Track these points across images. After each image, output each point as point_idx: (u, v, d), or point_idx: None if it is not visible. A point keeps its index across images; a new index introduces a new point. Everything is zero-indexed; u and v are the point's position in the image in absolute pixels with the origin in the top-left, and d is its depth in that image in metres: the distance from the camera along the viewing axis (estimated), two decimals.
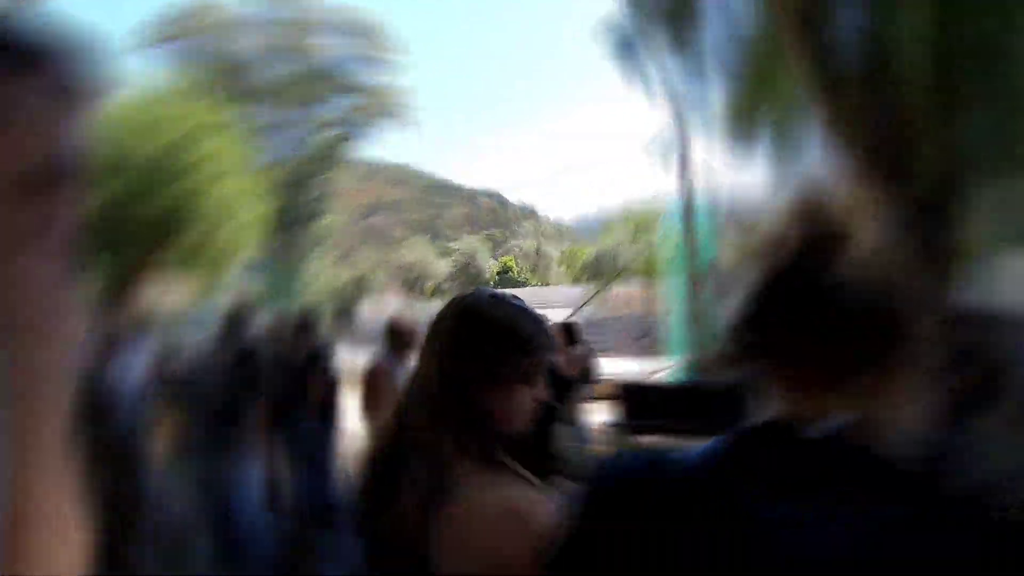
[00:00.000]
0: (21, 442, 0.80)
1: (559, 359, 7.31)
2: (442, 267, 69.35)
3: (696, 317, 12.58)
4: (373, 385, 4.34)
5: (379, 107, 49.12)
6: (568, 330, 7.25)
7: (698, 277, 13.05)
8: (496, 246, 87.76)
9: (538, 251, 73.12)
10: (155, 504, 4.36)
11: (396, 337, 4.49)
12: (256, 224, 25.66)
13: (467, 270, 66.56)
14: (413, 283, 66.98)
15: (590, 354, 7.28)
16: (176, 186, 21.23)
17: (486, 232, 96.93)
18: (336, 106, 49.40)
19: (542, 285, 65.02)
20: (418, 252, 70.24)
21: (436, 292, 63.24)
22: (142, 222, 20.37)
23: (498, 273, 71.16)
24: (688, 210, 13.12)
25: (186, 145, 21.81)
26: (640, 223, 62.71)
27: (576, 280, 61.62)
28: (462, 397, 1.44)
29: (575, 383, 6.92)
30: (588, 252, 62.87)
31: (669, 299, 15.55)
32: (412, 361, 3.37)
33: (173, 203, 21.25)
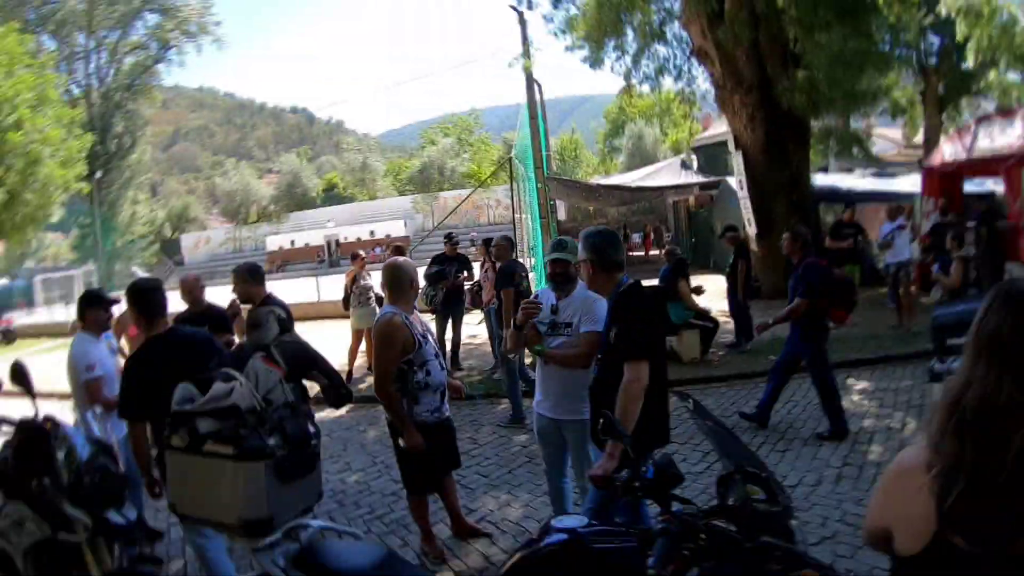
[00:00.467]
0: None
1: None
2: (264, 189, 68.42)
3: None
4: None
5: (179, 27, 48.71)
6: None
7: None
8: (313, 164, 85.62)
9: (364, 165, 72.65)
10: None
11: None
12: (73, 160, 26.70)
13: (292, 190, 65.84)
14: (237, 209, 65.95)
15: None
16: None
17: (298, 149, 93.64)
18: (137, 29, 48.94)
19: (369, 199, 66.53)
20: (237, 177, 68.28)
21: (263, 216, 63.21)
22: None
23: (324, 190, 71.20)
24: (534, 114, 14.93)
25: None
26: (462, 132, 65.41)
27: (402, 192, 63.76)
28: None
29: None
30: (412, 164, 65.14)
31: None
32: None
33: None
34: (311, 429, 3.07)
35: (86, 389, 5.02)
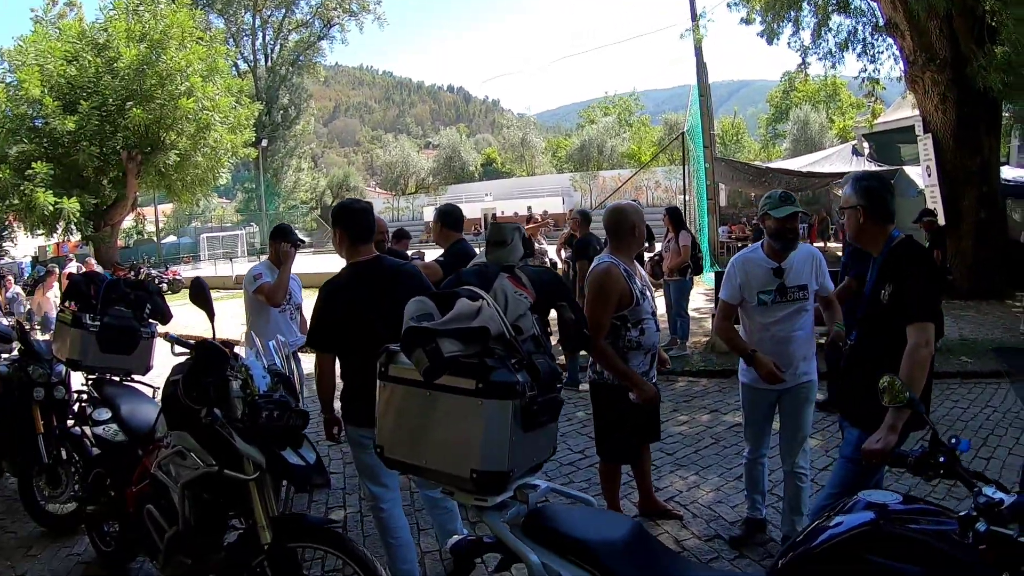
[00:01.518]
0: None
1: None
2: (423, 162, 70.02)
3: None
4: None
5: (341, 5, 50.68)
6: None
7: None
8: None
9: (523, 142, 73.21)
10: None
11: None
12: (241, 127, 28.46)
13: (450, 164, 66.97)
14: (396, 181, 67.76)
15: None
16: (163, 90, 24.21)
17: (456, 126, 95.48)
18: (301, 8, 51.22)
19: (527, 175, 67.05)
20: (397, 149, 70.19)
21: (420, 188, 64.62)
22: (131, 126, 23.35)
23: (482, 165, 72.02)
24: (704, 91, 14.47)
25: (169, 50, 24.92)
26: (622, 112, 64.94)
27: (560, 170, 63.79)
28: None
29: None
30: (572, 142, 65.14)
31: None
32: None
33: (160, 107, 24.18)
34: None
35: (256, 296, 5.45)
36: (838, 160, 27.73)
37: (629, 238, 4.25)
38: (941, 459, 2.17)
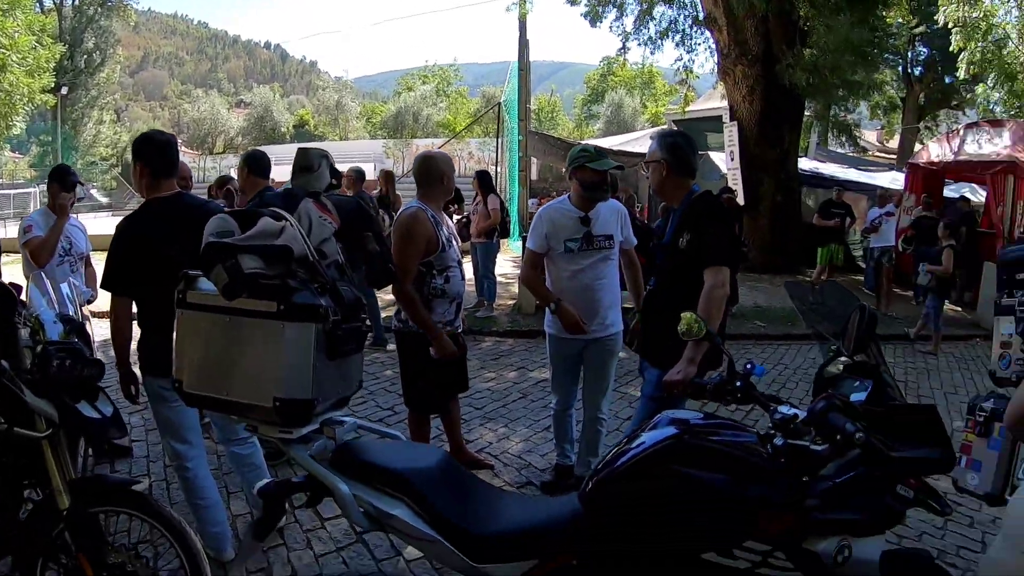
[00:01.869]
0: None
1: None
2: (233, 121, 66.80)
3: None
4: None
5: None
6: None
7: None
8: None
9: (338, 105, 71.20)
10: None
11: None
12: (41, 70, 25.84)
13: (262, 124, 64.21)
14: (203, 139, 64.33)
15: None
16: None
17: (270, 85, 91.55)
18: None
19: (341, 139, 65.37)
20: (207, 105, 66.41)
21: (229, 147, 61.28)
22: None
23: (295, 127, 69.45)
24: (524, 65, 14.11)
25: None
26: (440, 83, 64.43)
27: (375, 136, 62.59)
28: None
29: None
30: (388, 109, 64.04)
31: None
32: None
33: None
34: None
35: (24, 252, 4.88)
36: (647, 143, 29.05)
37: (438, 186, 4.26)
38: (738, 384, 2.33)
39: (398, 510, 2.08)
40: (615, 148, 27.42)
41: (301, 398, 2.02)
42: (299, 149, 2.75)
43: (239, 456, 3.88)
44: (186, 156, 60.78)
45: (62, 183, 4.98)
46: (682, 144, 3.65)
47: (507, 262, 14.46)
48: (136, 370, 3.61)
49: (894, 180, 17.40)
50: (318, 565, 3.81)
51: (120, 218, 3.93)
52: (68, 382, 2.80)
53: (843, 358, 2.43)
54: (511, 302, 10.99)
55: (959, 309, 12.76)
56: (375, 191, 9.51)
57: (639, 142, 29.34)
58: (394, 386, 6.56)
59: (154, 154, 3.59)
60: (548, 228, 4.22)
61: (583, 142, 4.17)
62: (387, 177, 9.77)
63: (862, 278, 14.31)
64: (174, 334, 2.20)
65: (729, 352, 2.55)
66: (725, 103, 16.20)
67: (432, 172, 4.24)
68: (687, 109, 21.60)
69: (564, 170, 4.30)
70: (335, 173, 2.57)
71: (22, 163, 57.02)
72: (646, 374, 3.81)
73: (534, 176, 30.41)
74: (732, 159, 15.68)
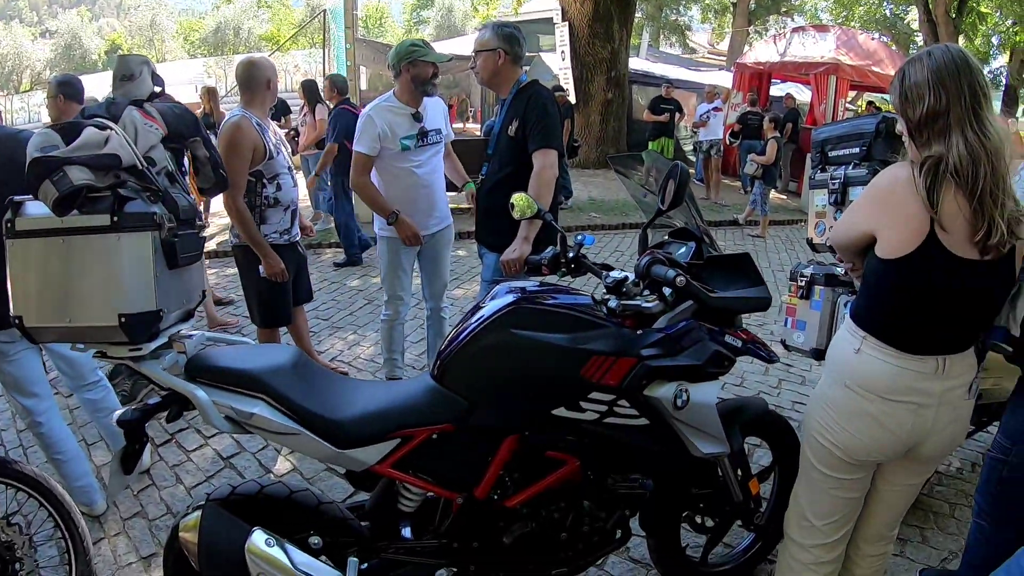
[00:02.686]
0: None
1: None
2: (39, 53, 61.45)
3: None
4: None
5: None
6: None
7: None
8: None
9: (152, 24, 66.36)
10: None
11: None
12: None
13: (70, 53, 59.30)
14: (8, 77, 59.01)
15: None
16: None
17: (77, 9, 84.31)
18: None
19: (158, 61, 61.28)
20: (8, 40, 60.63)
21: (37, 83, 56.73)
22: None
23: (106, 53, 64.31)
24: None
25: None
26: None
27: (193, 55, 58.89)
28: None
29: None
30: (206, 24, 60.09)
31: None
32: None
33: None
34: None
35: None
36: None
37: (263, 92, 4.11)
38: (570, 255, 2.49)
39: (257, 408, 2.07)
40: (447, 54, 26.89)
41: (147, 310, 1.96)
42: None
43: (93, 402, 3.71)
44: None
45: None
46: (516, 34, 3.73)
47: None
48: None
49: (722, 79, 18.17)
50: (191, 497, 3.78)
51: None
52: None
53: (667, 228, 2.66)
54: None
55: (784, 197, 13.88)
56: (199, 111, 9.16)
57: (470, 47, 28.95)
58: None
59: None
60: (382, 127, 4.06)
61: (407, 40, 4.05)
62: (210, 94, 9.45)
63: (692, 171, 14.85)
64: (7, 269, 2.04)
65: (560, 228, 2.69)
66: (556, 4, 16.10)
67: (256, 77, 4.09)
68: (519, 11, 21.48)
69: (388, 67, 4.17)
70: (157, 80, 2.42)
71: None
72: (484, 259, 3.94)
73: (364, 86, 29.59)
74: (564, 59, 15.82)
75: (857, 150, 3.11)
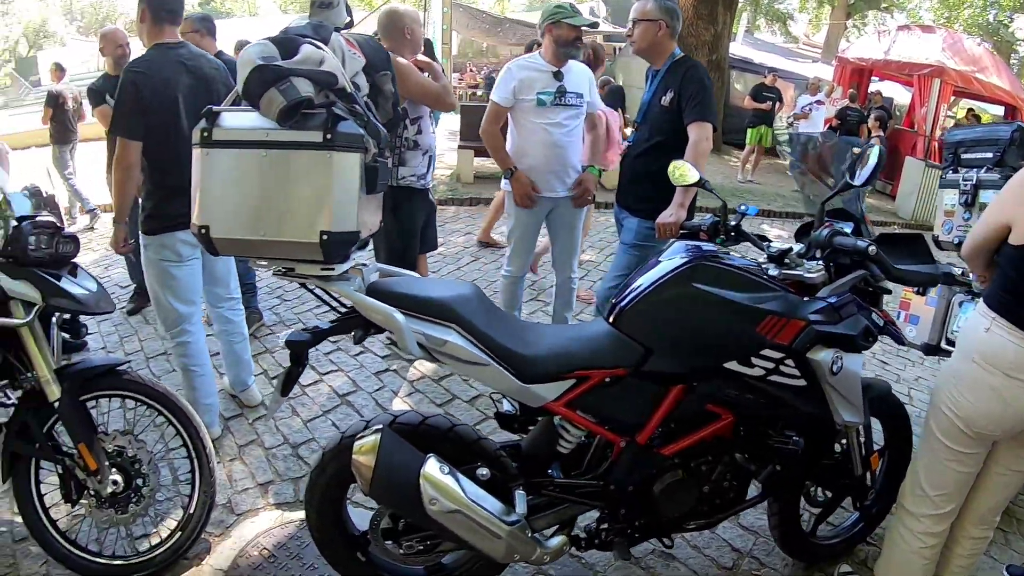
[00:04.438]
0: None
1: None
2: (131, 2, 62.57)
3: None
4: None
5: None
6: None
7: None
8: None
9: None
10: None
11: None
12: None
13: (164, 2, 60.23)
14: (101, 24, 60.44)
15: None
16: None
17: None
18: None
19: (251, 15, 61.93)
20: None
21: (130, 31, 57.84)
22: None
23: (200, 5, 65.30)
24: None
25: None
26: None
27: (285, 10, 59.39)
28: None
29: None
30: None
31: None
32: None
33: None
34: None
35: None
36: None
37: (402, 39, 4.15)
38: (732, 223, 2.55)
39: (451, 336, 2.11)
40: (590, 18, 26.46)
41: (348, 231, 1.95)
42: None
43: (227, 319, 3.89)
44: (83, 44, 57.22)
45: None
46: (677, 8, 3.82)
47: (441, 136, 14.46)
48: None
49: (821, 72, 17.76)
50: (308, 430, 3.84)
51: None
52: (44, 261, 2.61)
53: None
54: (447, 172, 10.96)
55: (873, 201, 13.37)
56: None
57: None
58: None
59: None
60: (519, 80, 4.12)
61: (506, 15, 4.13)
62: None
63: (786, 162, 14.55)
64: (196, 177, 2.02)
65: (721, 195, 2.70)
66: None
67: (396, 25, 4.14)
68: None
69: (538, 27, 4.19)
70: (349, 11, 2.42)
71: None
72: (624, 222, 4.04)
73: (454, 51, 29.58)
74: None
75: (991, 155, 3.21)
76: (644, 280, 2.31)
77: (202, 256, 3.58)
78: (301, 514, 3.12)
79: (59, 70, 10.64)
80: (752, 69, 16.62)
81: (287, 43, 2.02)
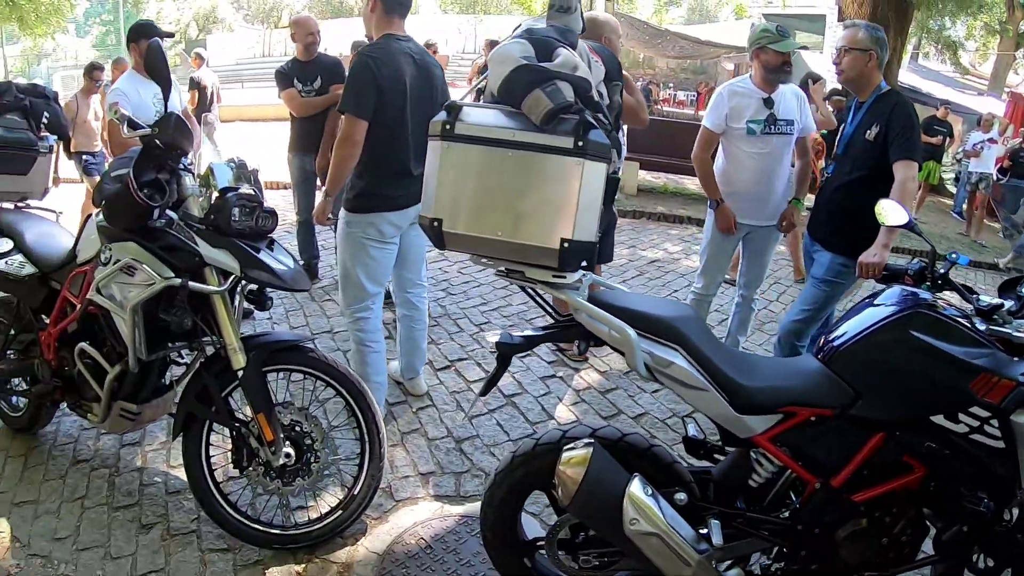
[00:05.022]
0: None
1: None
2: None
3: None
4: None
5: None
6: None
7: None
8: None
9: None
10: None
11: None
12: None
13: None
14: (268, 14, 63.32)
15: None
16: None
17: None
18: None
19: (412, 13, 62.93)
20: None
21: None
22: None
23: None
24: None
25: None
26: None
27: (446, 11, 60.54)
28: None
29: None
30: None
31: None
32: None
33: None
34: None
35: (108, 131, 4.66)
36: (734, 34, 27.59)
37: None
38: (941, 270, 2.43)
39: (676, 358, 2.09)
40: (703, 39, 26.17)
41: (588, 240, 1.93)
42: None
43: (411, 304, 3.98)
44: (250, 30, 59.90)
45: (145, 35, 4.62)
46: (886, 39, 3.71)
47: None
48: None
49: (991, 106, 16.72)
50: (472, 426, 3.88)
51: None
52: (245, 232, 2.69)
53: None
54: None
55: None
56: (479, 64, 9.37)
57: (724, 33, 27.99)
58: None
59: None
60: (730, 107, 4.09)
61: (761, 22, 4.01)
62: (491, 47, 9.66)
63: (951, 201, 13.77)
64: (431, 168, 2.03)
65: (929, 240, 2.62)
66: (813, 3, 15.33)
67: (595, 33, 4.09)
68: (787, 5, 20.81)
69: (747, 50, 4.15)
70: (583, 17, 2.41)
71: (83, 45, 56.69)
72: (816, 256, 3.93)
73: None
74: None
75: None
76: (859, 322, 2.26)
77: (399, 241, 3.70)
78: (461, 509, 3.19)
79: (199, 58, 11.39)
80: (920, 99, 15.81)
81: (542, 45, 2.00)
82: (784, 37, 3.97)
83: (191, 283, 2.64)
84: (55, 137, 4.16)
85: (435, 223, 1.97)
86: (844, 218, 3.64)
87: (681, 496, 2.18)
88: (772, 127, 4.05)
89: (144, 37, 4.60)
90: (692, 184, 10.88)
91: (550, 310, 2.25)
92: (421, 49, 3.62)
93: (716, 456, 2.41)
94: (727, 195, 4.16)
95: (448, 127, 1.95)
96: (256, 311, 3.10)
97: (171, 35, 4.81)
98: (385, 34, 3.51)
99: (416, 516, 3.16)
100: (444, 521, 3.13)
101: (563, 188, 1.87)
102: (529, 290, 2.17)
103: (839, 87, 13.07)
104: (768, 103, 4.04)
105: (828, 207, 3.88)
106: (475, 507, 3.14)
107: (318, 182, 5.65)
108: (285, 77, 5.68)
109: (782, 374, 2.26)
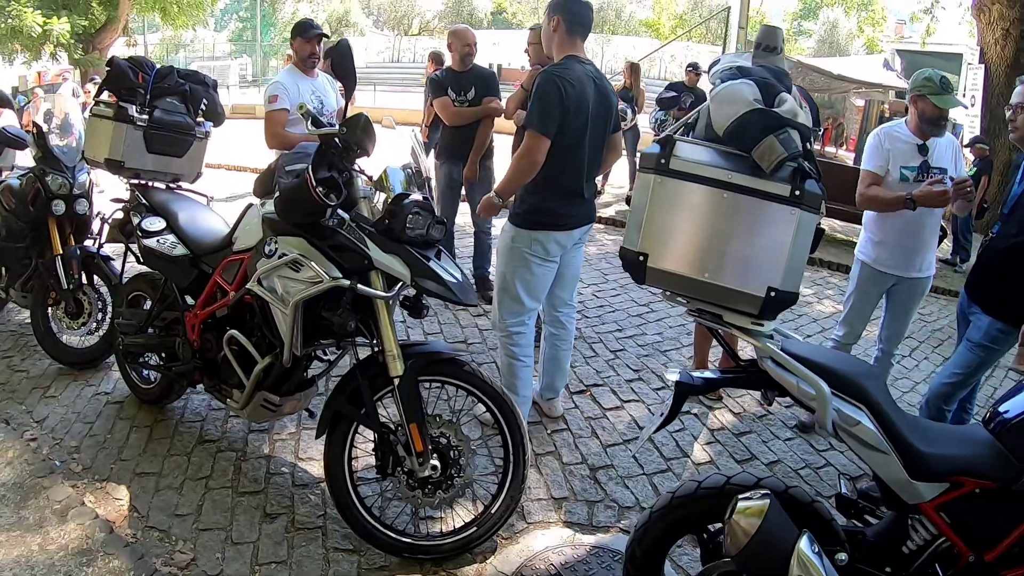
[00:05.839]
0: None
1: None
2: (430, 3, 66.46)
3: None
4: None
5: None
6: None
7: None
8: None
9: None
10: None
11: None
12: None
13: (459, 8, 63.48)
14: (399, 20, 64.60)
15: None
16: None
17: None
18: None
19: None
20: None
21: (424, 30, 61.52)
22: None
23: (492, 13, 68.11)
24: None
25: None
26: None
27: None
28: None
29: None
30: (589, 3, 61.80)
31: None
32: None
33: None
34: None
35: (265, 122, 4.73)
36: (865, 70, 26.64)
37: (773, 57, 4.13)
38: None
39: (862, 418, 2.01)
40: (835, 72, 25.28)
41: (792, 291, 1.91)
42: (766, 26, 2.78)
43: (564, 328, 4.01)
44: (380, 36, 61.29)
45: (303, 35, 4.81)
46: None
47: None
48: None
49: None
50: (606, 455, 3.84)
51: None
52: (416, 240, 2.69)
53: None
54: None
55: None
56: (619, 85, 9.40)
57: (855, 67, 26.95)
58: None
59: (575, 10, 3.55)
60: (886, 151, 3.95)
61: (927, 70, 3.82)
62: (633, 70, 9.75)
63: None
64: (640, 202, 2.01)
65: None
66: (950, 40, 14.56)
67: (773, 40, 4.00)
68: (927, 40, 19.91)
69: (907, 93, 3.97)
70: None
71: (220, 38, 59.21)
72: (973, 318, 3.67)
73: None
74: (973, 105, 14.07)
75: None
76: None
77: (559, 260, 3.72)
78: (593, 539, 3.13)
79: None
80: None
81: (766, 87, 1.98)
82: (946, 91, 3.80)
83: (359, 286, 2.67)
84: (211, 124, 4.35)
85: (641, 257, 1.96)
86: (1008, 282, 3.45)
87: (842, 556, 2.12)
88: (925, 175, 3.89)
89: (303, 35, 4.81)
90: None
91: (732, 353, 2.22)
92: (600, 73, 3.63)
93: (865, 517, 2.33)
94: (876, 244, 4.03)
95: (663, 161, 1.94)
96: (411, 317, 3.17)
97: (327, 36, 4.95)
98: (568, 55, 3.52)
99: (548, 541, 3.11)
100: (576, 549, 3.08)
101: (776, 236, 1.86)
102: (720, 332, 2.13)
103: (979, 134, 12.48)
104: (923, 150, 3.89)
105: (992, 269, 3.66)
106: (607, 538, 3.14)
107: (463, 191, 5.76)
108: (439, 85, 5.73)
109: (953, 442, 2.17)
